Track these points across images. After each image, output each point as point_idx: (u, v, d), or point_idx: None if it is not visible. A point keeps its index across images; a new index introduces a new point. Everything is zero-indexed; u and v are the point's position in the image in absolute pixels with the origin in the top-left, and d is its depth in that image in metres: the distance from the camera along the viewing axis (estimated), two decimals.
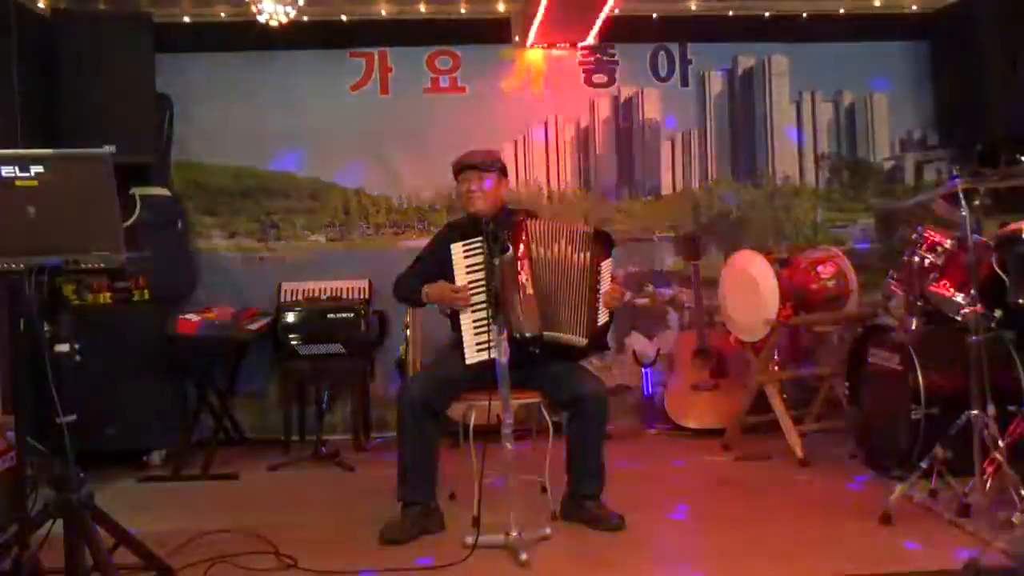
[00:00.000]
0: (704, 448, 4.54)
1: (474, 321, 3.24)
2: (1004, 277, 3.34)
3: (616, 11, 4.67)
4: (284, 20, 4.23)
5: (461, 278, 3.27)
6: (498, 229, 3.19)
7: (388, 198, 5.12)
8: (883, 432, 3.89)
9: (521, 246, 3.29)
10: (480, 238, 3.21)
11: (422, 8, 4.96)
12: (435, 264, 3.46)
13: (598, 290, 3.33)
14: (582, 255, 3.34)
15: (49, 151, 2.63)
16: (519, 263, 3.26)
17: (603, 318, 3.34)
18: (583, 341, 3.29)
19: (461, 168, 3.50)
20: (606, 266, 3.37)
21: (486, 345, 3.18)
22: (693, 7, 5.07)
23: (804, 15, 5.13)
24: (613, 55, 5.17)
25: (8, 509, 3.12)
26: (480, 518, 3.24)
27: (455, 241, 3.29)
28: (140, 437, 4.43)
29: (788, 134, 5.21)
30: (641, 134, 5.22)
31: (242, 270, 5.04)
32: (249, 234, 5.07)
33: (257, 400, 4.99)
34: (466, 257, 3.27)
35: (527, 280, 3.26)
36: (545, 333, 3.25)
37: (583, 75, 5.17)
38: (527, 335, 3.20)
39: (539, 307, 3.25)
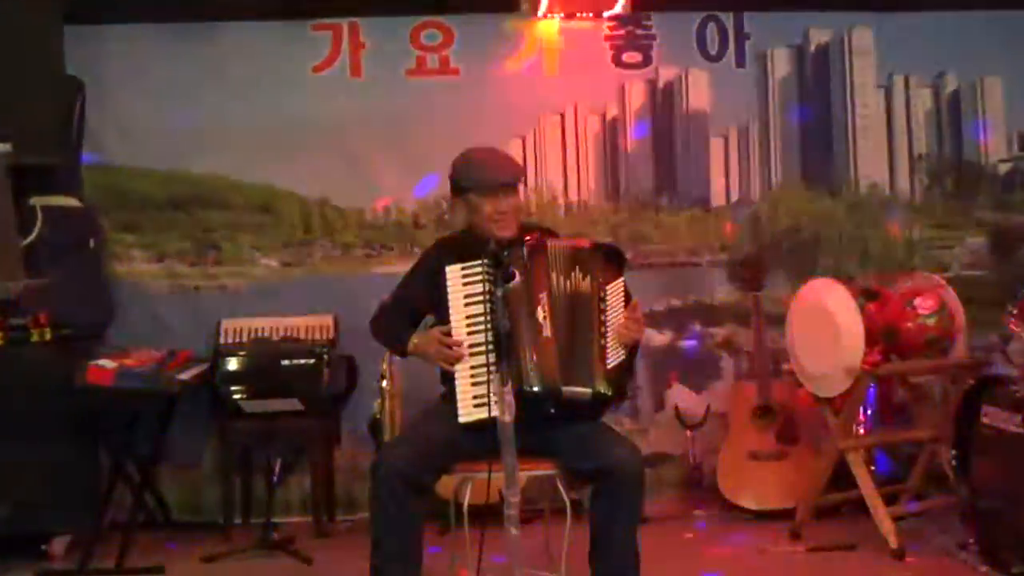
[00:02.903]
0: (768, 535, 4.51)
1: (471, 368, 3.24)
2: None
3: None
4: None
5: (458, 312, 3.27)
6: (503, 250, 3.19)
7: (360, 211, 5.15)
8: (1002, 515, 3.86)
9: (539, 274, 3.29)
10: (481, 261, 3.21)
11: None
12: (424, 293, 3.47)
13: (605, 321, 3.34)
14: (587, 278, 3.35)
15: None
16: (536, 296, 3.27)
17: (615, 357, 3.33)
18: (588, 392, 3.28)
19: (490, 186, 3.44)
20: (614, 289, 3.37)
21: (485, 400, 3.18)
22: None
23: None
24: (649, 27, 5.21)
25: None
26: None
27: (450, 263, 3.30)
28: (38, 519, 4.41)
29: None
30: (685, 129, 5.25)
31: (171, 303, 5.06)
32: (181, 256, 5.10)
33: (189, 471, 4.99)
34: (464, 285, 3.27)
35: (545, 318, 3.26)
36: (564, 388, 3.24)
37: (610, 53, 5.21)
38: (540, 389, 3.20)
39: (558, 353, 3.25)
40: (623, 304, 3.38)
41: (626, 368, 3.38)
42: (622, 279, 3.41)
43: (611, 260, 3.43)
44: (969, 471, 4.06)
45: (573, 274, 3.35)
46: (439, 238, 3.84)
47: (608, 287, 3.36)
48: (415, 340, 3.40)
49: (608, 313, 3.34)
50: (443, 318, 3.32)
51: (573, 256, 3.38)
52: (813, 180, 5.28)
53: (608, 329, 3.33)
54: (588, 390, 3.26)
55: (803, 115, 5.29)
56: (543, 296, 3.28)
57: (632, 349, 3.40)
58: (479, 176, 3.45)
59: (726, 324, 5.21)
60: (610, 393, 3.30)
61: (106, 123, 5.00)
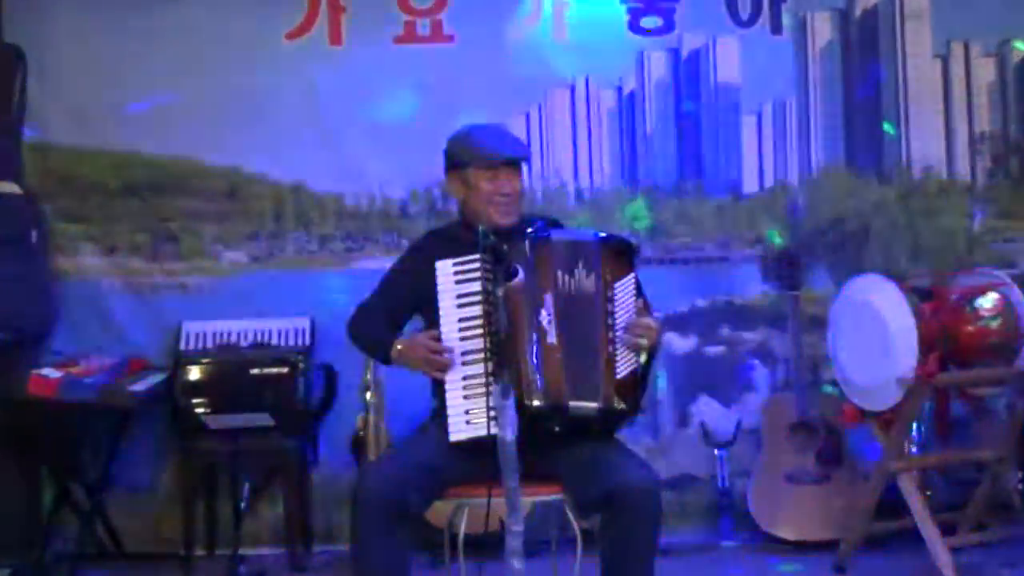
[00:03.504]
0: (808, 569, 4.53)
1: (464, 379, 3.24)
2: None
3: None
4: None
5: (450, 314, 3.27)
6: (502, 243, 3.19)
7: (340, 197, 5.15)
8: None
9: (543, 271, 3.30)
10: (477, 256, 3.21)
11: None
12: (410, 291, 3.48)
13: (613, 325, 3.34)
14: (591, 275, 3.34)
15: None
16: (539, 296, 3.27)
17: (626, 366, 3.33)
18: (594, 407, 3.27)
19: (492, 161, 3.45)
20: (623, 287, 3.37)
21: (483, 416, 3.18)
22: None
23: None
24: None
25: None
26: None
27: (442, 257, 3.31)
28: None
29: None
30: (712, 105, 5.25)
31: (125, 303, 5.07)
32: (135, 250, 5.10)
33: (145, 496, 4.99)
34: (458, 283, 3.27)
35: (550, 322, 3.26)
36: (571, 403, 3.24)
37: (627, 18, 5.21)
38: (544, 404, 3.21)
39: (564, 363, 3.25)
40: (635, 303, 3.37)
41: (641, 378, 3.37)
42: (632, 275, 3.40)
43: (619, 254, 3.41)
44: None
45: (576, 271, 3.33)
46: (430, 229, 3.84)
47: (616, 285, 3.35)
48: (398, 346, 3.39)
49: (617, 315, 3.32)
50: (432, 321, 3.33)
51: (576, 250, 3.37)
52: (859, 163, 5.28)
53: (618, 334, 3.32)
54: (595, 405, 3.25)
55: (848, 89, 5.29)
56: (548, 297, 3.27)
57: (649, 356, 3.39)
58: (480, 149, 3.45)
59: (759, 328, 5.20)
60: (622, 407, 3.30)
61: (50, 99, 5.00)
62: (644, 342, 3.32)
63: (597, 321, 3.30)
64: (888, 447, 4.40)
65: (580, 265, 3.33)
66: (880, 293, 4.36)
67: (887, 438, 4.41)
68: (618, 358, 3.29)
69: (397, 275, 3.62)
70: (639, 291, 3.41)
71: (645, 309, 3.38)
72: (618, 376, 3.29)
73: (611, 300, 3.32)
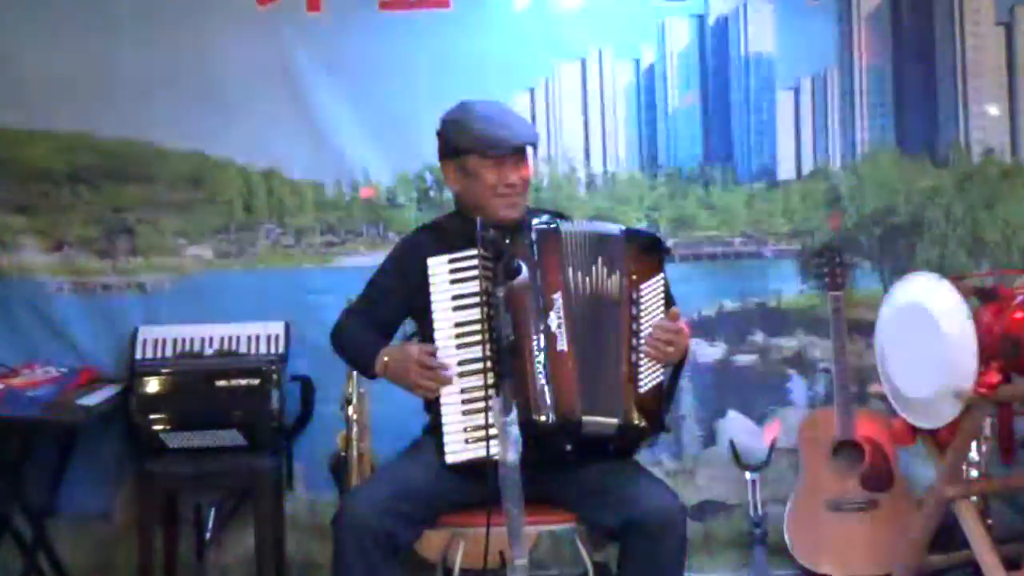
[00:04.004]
0: None
1: (462, 392, 3.24)
2: None
3: None
4: None
5: (445, 318, 3.28)
6: (503, 237, 3.18)
7: (319, 185, 5.15)
8: None
9: (553, 268, 3.30)
10: (475, 251, 3.20)
11: None
12: (399, 293, 3.48)
13: (638, 331, 3.32)
14: (614, 275, 3.34)
15: None
16: (548, 298, 3.26)
17: (650, 378, 3.32)
18: (613, 423, 3.27)
19: (497, 148, 3.41)
20: (650, 289, 3.36)
21: (482, 435, 3.17)
22: None
23: None
24: None
25: None
26: None
27: (435, 254, 3.29)
28: None
29: None
30: (743, 79, 5.24)
31: (73, 305, 5.06)
32: (85, 245, 5.10)
33: (96, 524, 5.00)
34: (453, 282, 3.27)
35: (560, 327, 3.25)
36: (585, 418, 3.23)
37: None
38: (553, 420, 3.20)
39: (577, 373, 3.24)
40: (662, 309, 3.36)
41: (666, 392, 3.36)
42: (662, 276, 3.40)
43: (648, 251, 3.42)
44: None
45: (595, 269, 3.33)
46: (422, 224, 3.83)
47: (643, 287, 3.36)
48: (386, 357, 3.37)
49: (642, 321, 3.32)
50: (426, 326, 3.32)
51: (596, 245, 3.36)
52: (911, 145, 5.26)
53: (642, 342, 3.31)
54: (614, 421, 3.24)
55: (898, 61, 5.28)
56: (557, 297, 3.27)
57: (675, 368, 3.38)
58: (484, 134, 3.43)
59: (797, 334, 5.21)
60: (643, 425, 3.29)
61: None
62: (672, 351, 3.31)
63: (619, 327, 3.31)
64: (944, 470, 4.38)
65: (600, 263, 3.34)
66: (934, 294, 4.34)
67: (942, 459, 4.40)
68: (642, 370, 3.29)
69: (385, 276, 3.62)
70: (668, 296, 3.40)
71: (676, 316, 3.36)
72: (640, 390, 3.29)
73: (636, 303, 3.32)
